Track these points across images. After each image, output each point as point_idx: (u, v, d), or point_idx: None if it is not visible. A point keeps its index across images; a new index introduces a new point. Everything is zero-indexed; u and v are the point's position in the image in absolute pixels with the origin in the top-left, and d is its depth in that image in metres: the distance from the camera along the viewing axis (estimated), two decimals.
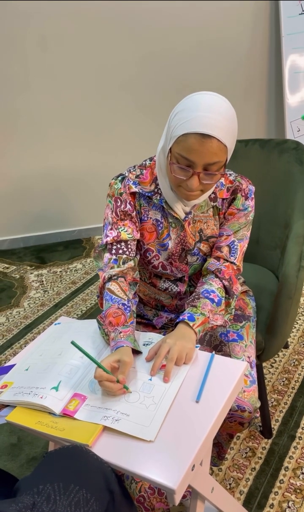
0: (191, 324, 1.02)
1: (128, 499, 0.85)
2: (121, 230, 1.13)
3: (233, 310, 1.15)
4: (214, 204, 1.15)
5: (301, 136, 2.81)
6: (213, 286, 1.11)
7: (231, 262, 1.15)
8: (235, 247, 1.15)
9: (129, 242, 1.14)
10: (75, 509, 0.70)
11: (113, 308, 1.06)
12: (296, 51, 2.69)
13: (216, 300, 1.09)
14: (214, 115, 0.94)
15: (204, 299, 1.08)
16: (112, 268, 1.11)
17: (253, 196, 1.16)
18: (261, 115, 2.98)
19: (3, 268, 2.76)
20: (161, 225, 1.15)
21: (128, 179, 1.14)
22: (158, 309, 1.31)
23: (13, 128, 2.65)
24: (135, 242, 1.16)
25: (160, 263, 1.19)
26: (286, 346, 1.89)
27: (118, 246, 1.13)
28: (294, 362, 1.81)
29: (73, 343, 0.93)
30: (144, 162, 1.17)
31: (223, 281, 1.12)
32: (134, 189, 1.13)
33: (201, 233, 1.17)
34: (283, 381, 1.73)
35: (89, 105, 2.68)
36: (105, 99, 2.68)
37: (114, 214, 1.14)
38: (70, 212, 2.98)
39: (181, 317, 1.05)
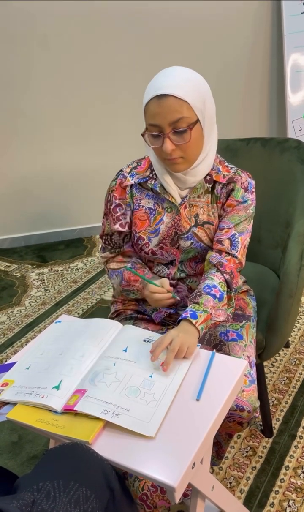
0: (193, 322, 1.02)
1: (128, 497, 0.85)
2: (112, 223, 1.23)
3: (234, 303, 1.16)
4: (210, 185, 1.16)
5: (302, 135, 2.80)
6: (215, 280, 1.12)
7: (233, 256, 1.15)
8: (236, 240, 1.15)
9: (120, 234, 1.25)
10: (74, 506, 0.70)
11: (126, 274, 1.22)
12: (298, 50, 2.68)
13: (218, 296, 1.09)
14: (168, 78, 1.00)
15: (206, 295, 1.08)
16: (106, 252, 1.30)
17: (253, 189, 1.16)
18: (263, 113, 2.97)
19: (4, 267, 2.76)
20: (153, 212, 1.19)
21: (123, 173, 1.20)
22: None
23: (15, 127, 2.65)
24: (124, 234, 1.25)
25: (150, 250, 1.22)
26: (287, 345, 1.89)
27: (108, 237, 1.27)
28: (295, 361, 1.81)
29: (127, 268, 1.20)
30: (144, 156, 1.22)
31: (225, 275, 1.13)
32: (130, 181, 1.18)
33: (197, 218, 1.18)
34: (284, 380, 1.73)
35: (90, 105, 2.67)
36: (106, 99, 2.68)
37: (106, 208, 1.24)
38: (71, 211, 2.98)
39: (183, 315, 1.04)
